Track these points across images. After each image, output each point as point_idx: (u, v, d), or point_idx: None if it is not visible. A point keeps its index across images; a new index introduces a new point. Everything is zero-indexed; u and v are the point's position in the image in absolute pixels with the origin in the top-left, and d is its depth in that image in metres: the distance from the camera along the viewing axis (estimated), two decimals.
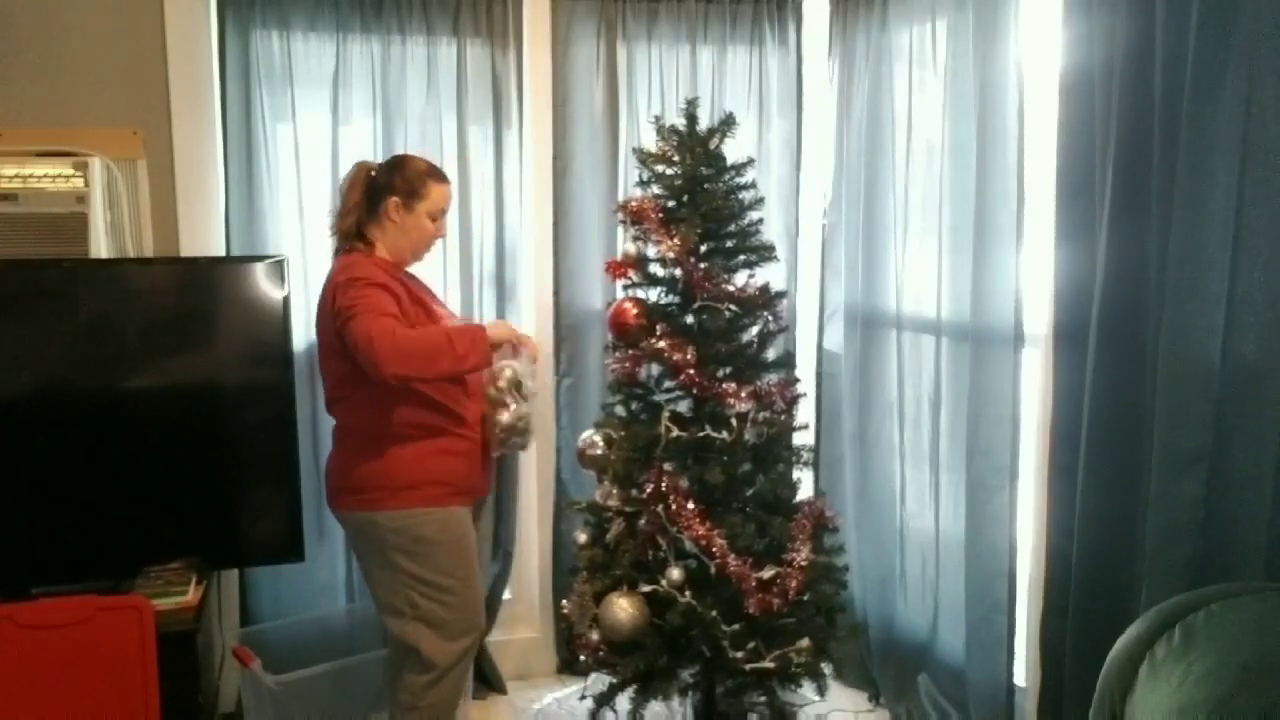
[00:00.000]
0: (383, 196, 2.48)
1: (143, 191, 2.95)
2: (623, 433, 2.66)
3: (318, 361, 2.59)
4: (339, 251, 2.54)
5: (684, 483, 2.54)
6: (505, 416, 2.54)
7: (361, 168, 2.55)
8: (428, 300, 2.58)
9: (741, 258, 2.68)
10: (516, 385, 2.54)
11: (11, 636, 2.43)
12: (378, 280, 2.39)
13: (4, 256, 2.71)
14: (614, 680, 2.67)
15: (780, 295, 2.75)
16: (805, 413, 2.98)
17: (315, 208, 3.16)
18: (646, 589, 2.54)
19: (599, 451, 2.73)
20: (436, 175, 2.54)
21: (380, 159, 3.16)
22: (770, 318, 2.71)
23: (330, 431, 2.62)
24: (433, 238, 2.56)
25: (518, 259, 3.35)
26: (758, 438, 2.63)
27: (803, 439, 2.84)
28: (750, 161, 2.73)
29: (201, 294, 2.87)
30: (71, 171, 2.78)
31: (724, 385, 2.56)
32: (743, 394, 2.56)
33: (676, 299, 2.69)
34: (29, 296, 2.70)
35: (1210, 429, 2.07)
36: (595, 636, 2.61)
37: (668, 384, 2.69)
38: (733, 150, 2.73)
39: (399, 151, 3.16)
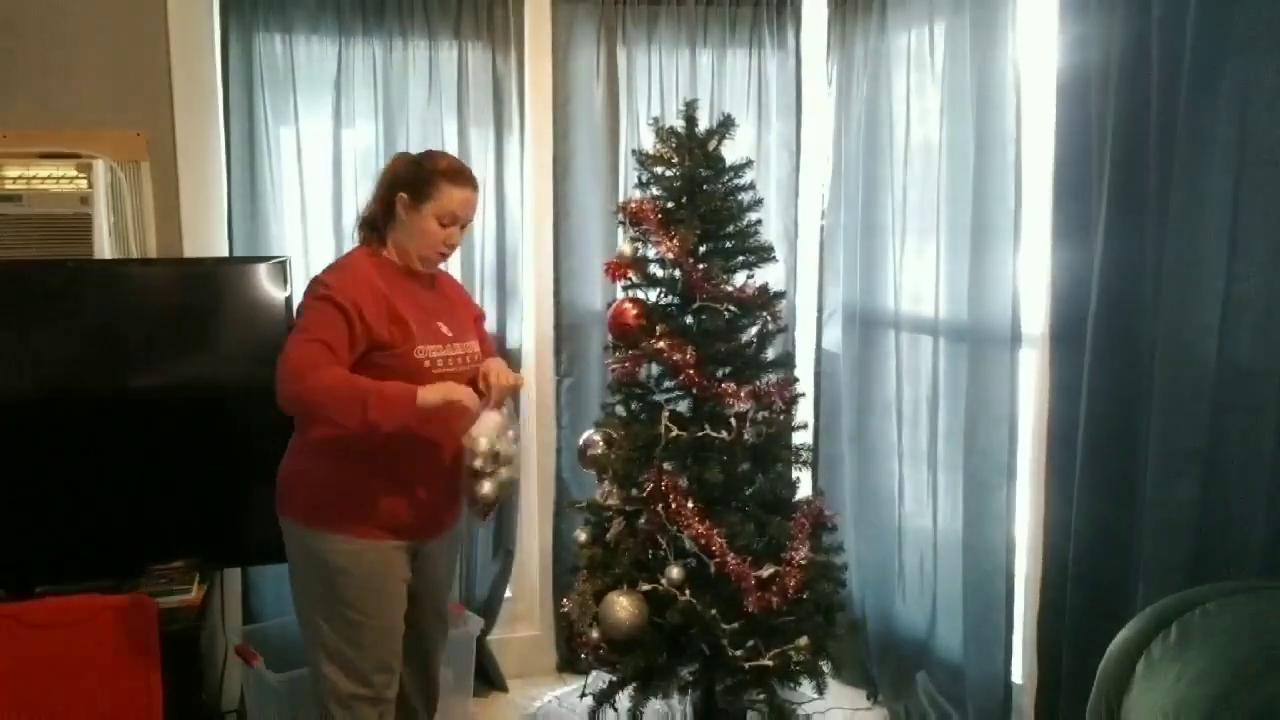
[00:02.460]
0: (395, 189, 2.28)
1: (146, 193, 2.96)
2: (623, 432, 2.67)
3: None
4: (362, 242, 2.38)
5: (683, 482, 2.55)
6: (486, 488, 2.25)
7: (397, 159, 2.38)
8: (422, 318, 2.27)
9: (740, 258, 2.69)
10: (494, 455, 2.23)
11: (15, 635, 2.44)
12: (340, 297, 2.14)
13: (8, 258, 2.72)
14: (614, 678, 2.68)
15: (779, 296, 2.76)
16: (804, 412, 2.99)
17: (317, 209, 3.17)
18: (646, 588, 2.55)
19: (599, 451, 2.74)
20: (453, 176, 2.29)
21: (382, 162, 3.18)
22: (769, 318, 2.72)
23: None
24: (439, 244, 2.30)
25: (518, 260, 3.36)
26: (757, 437, 2.64)
27: (801, 438, 2.85)
28: (749, 163, 2.74)
29: (205, 295, 2.88)
30: (75, 173, 2.79)
31: (723, 385, 2.58)
32: (742, 394, 2.57)
33: (676, 299, 2.70)
34: (33, 297, 2.70)
35: (1206, 428, 2.08)
36: (595, 635, 2.62)
37: (667, 384, 2.70)
38: (732, 152, 2.75)
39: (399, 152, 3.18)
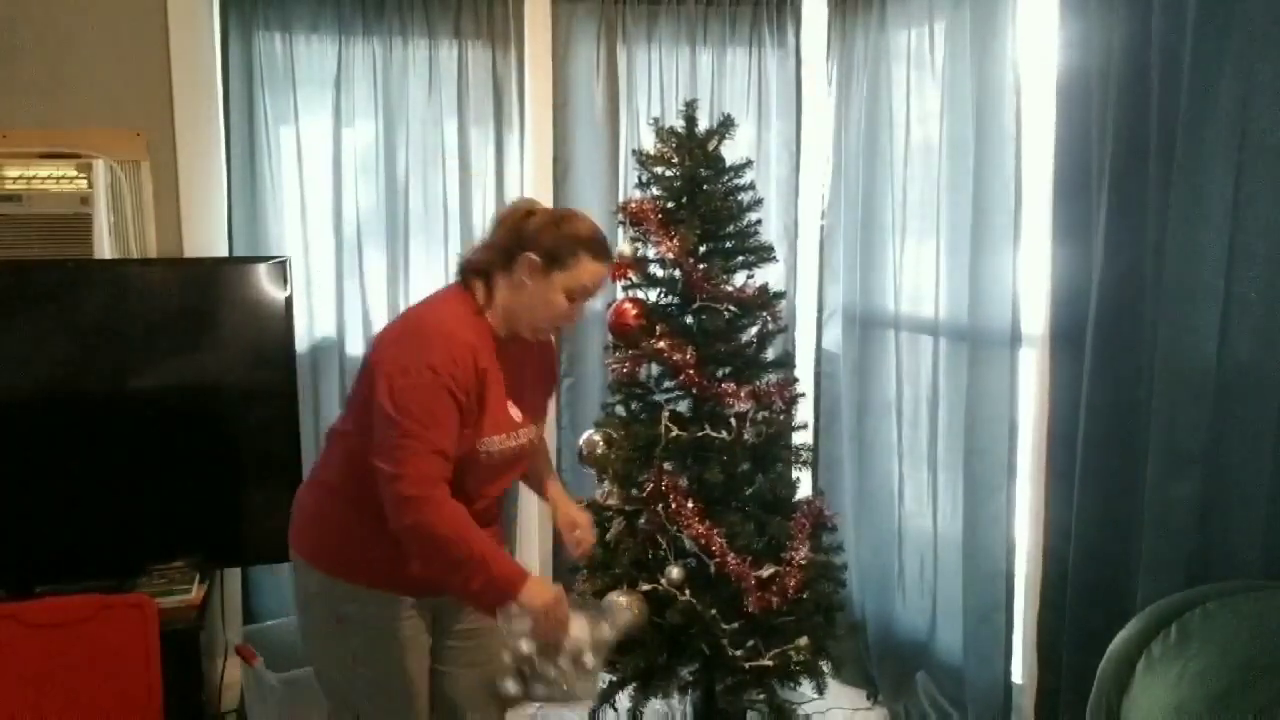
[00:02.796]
0: (524, 248, 1.93)
1: (146, 193, 2.97)
2: (623, 432, 2.67)
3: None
4: (457, 281, 2.04)
5: (684, 482, 2.55)
6: (510, 687, 1.93)
7: (521, 206, 2.04)
8: (500, 402, 1.99)
9: (740, 258, 2.69)
10: (575, 655, 1.91)
11: (15, 634, 2.44)
12: (455, 386, 1.84)
13: (8, 257, 2.72)
14: (614, 678, 2.68)
15: (779, 296, 2.76)
16: (804, 412, 2.99)
17: (317, 208, 3.17)
18: (646, 587, 2.55)
19: (599, 451, 2.74)
20: (596, 249, 1.97)
21: (382, 160, 3.19)
22: (769, 318, 2.72)
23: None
24: (562, 318, 2.00)
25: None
26: (757, 437, 2.64)
27: (801, 439, 2.85)
28: (749, 163, 2.74)
29: (204, 294, 2.88)
30: (75, 173, 2.79)
31: (723, 385, 2.58)
32: (742, 394, 2.57)
33: (676, 299, 2.70)
34: (33, 297, 2.70)
35: (1206, 429, 2.08)
36: None
37: (667, 384, 2.70)
38: (732, 152, 2.75)
39: (398, 154, 3.19)
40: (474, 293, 1.98)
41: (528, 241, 1.94)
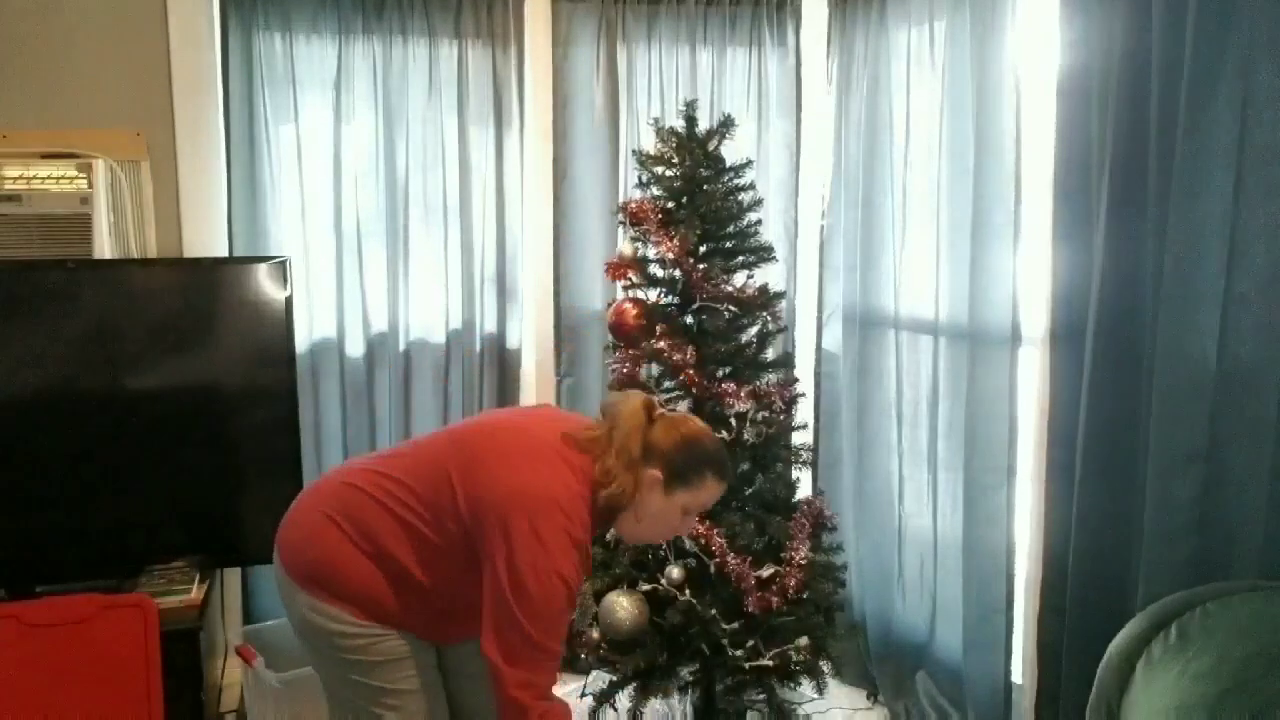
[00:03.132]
0: (649, 461, 1.88)
1: (146, 192, 2.97)
2: None
3: (406, 467, 1.93)
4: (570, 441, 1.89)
5: None
6: None
7: (643, 403, 1.93)
8: None
9: (740, 258, 2.69)
10: None
11: (16, 634, 2.44)
12: (574, 589, 1.80)
13: (8, 257, 2.72)
14: (614, 678, 2.68)
15: (779, 296, 2.76)
16: (804, 412, 2.99)
17: (317, 208, 3.17)
18: (646, 588, 2.55)
19: None
20: (721, 471, 1.94)
21: (382, 160, 3.19)
22: (769, 318, 2.72)
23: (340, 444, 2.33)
24: (672, 534, 2.03)
25: (518, 260, 3.36)
26: (757, 437, 2.64)
27: (801, 439, 2.85)
28: (749, 163, 2.74)
29: (204, 295, 2.88)
30: (75, 173, 2.79)
31: (723, 385, 2.58)
32: (742, 394, 2.57)
33: (676, 299, 2.70)
34: (33, 297, 2.71)
35: (1206, 429, 2.08)
36: (595, 635, 2.62)
37: (667, 384, 2.70)
38: (732, 151, 2.75)
39: (398, 154, 3.18)
40: (593, 470, 1.85)
41: (656, 457, 1.87)
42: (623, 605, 2.53)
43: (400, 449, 2.06)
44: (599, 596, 2.63)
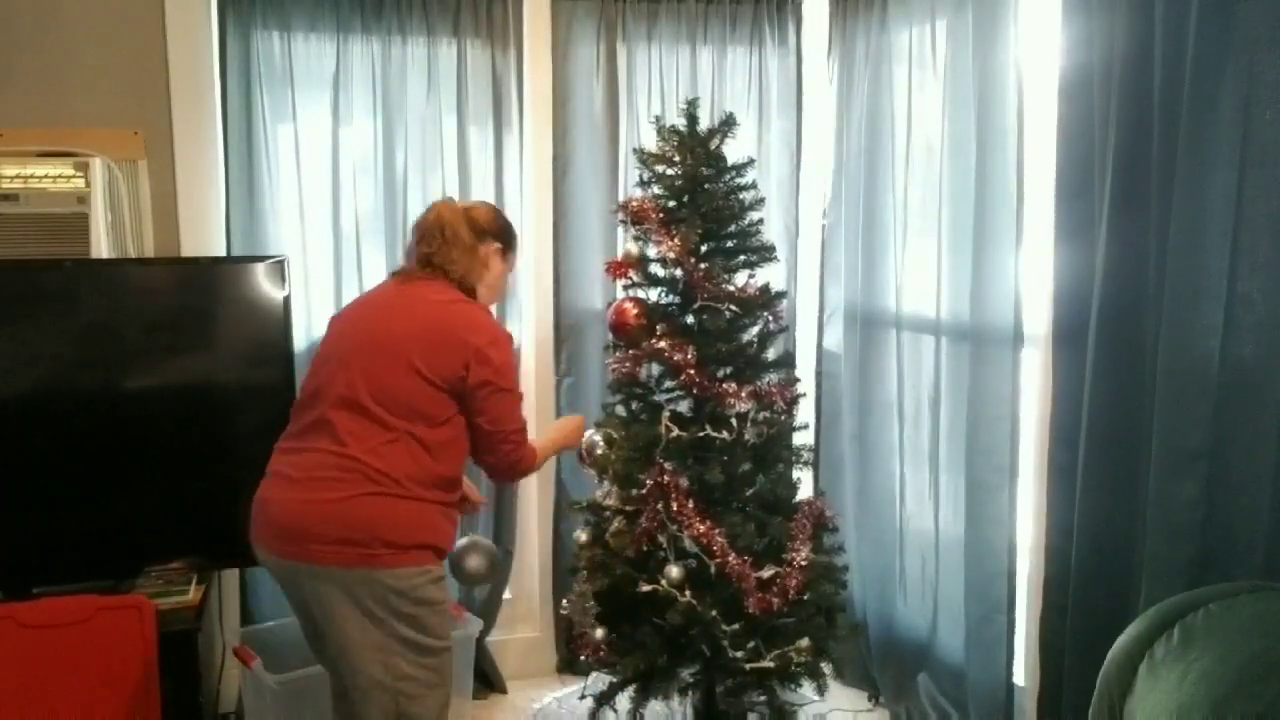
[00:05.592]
0: (483, 240, 2.32)
1: (144, 192, 2.96)
2: (623, 432, 2.66)
3: (357, 372, 2.16)
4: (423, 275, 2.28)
5: (684, 482, 2.54)
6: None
7: (452, 206, 2.34)
8: None
9: (742, 258, 2.68)
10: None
11: (13, 636, 2.44)
12: (508, 334, 2.33)
13: (5, 257, 2.71)
14: (614, 679, 2.67)
15: (780, 295, 2.75)
16: (805, 412, 2.98)
17: (316, 208, 3.16)
18: (646, 588, 2.54)
19: (599, 451, 2.74)
20: (517, 237, 2.51)
21: (381, 159, 3.19)
22: (770, 318, 2.71)
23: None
24: (504, 294, 2.59)
25: (518, 259, 3.35)
26: (758, 437, 2.63)
27: (802, 439, 2.84)
28: (751, 162, 2.73)
29: (202, 294, 2.87)
30: (73, 172, 2.78)
31: (724, 385, 2.57)
32: (743, 394, 2.56)
33: (677, 299, 2.69)
34: (30, 297, 2.70)
35: (1209, 429, 2.07)
36: (597, 635, 2.61)
37: (668, 384, 2.69)
38: (732, 150, 2.74)
39: (397, 153, 3.18)
40: (457, 284, 2.27)
41: (485, 234, 2.33)
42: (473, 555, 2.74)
43: (306, 415, 2.24)
44: (598, 597, 2.62)
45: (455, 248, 2.25)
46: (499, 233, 2.37)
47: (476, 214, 2.35)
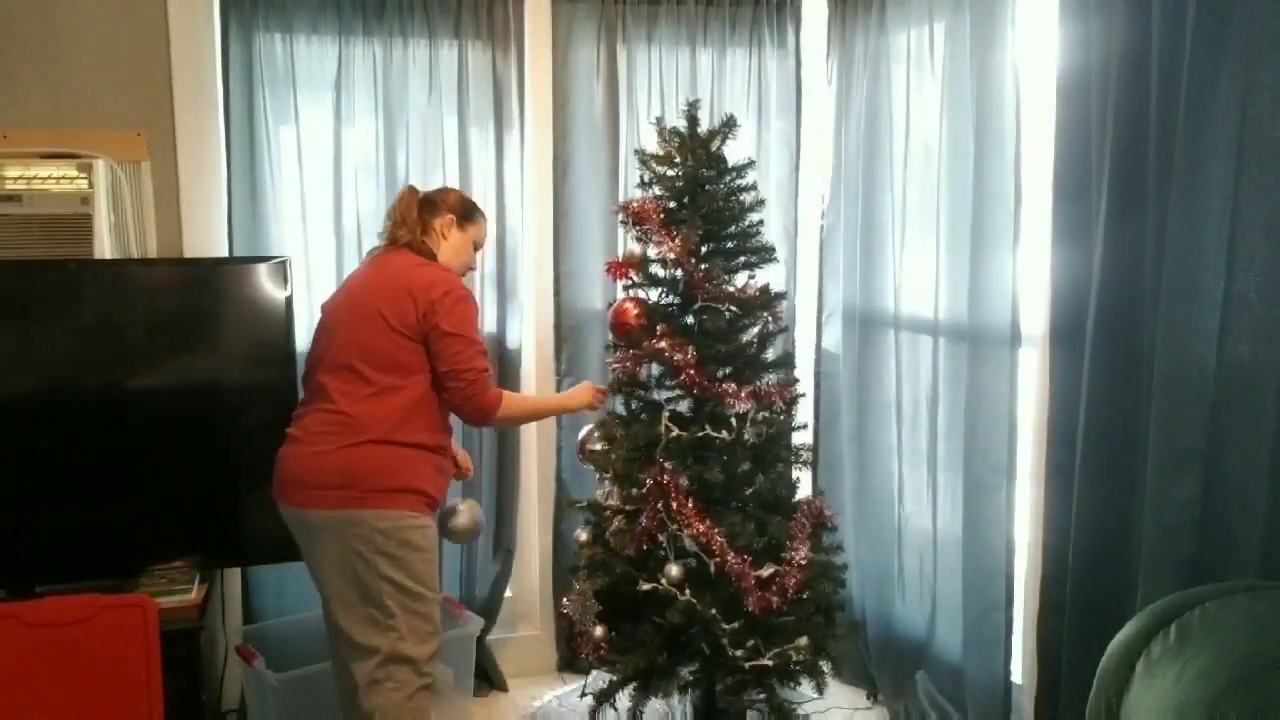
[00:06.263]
0: (437, 213, 2.58)
1: (146, 193, 2.96)
2: (623, 432, 2.67)
3: (342, 338, 2.45)
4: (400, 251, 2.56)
5: (684, 481, 2.56)
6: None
7: (411, 190, 2.64)
8: None
9: (742, 259, 2.69)
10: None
11: (16, 634, 2.44)
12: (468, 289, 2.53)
13: (9, 257, 2.72)
14: (614, 678, 2.68)
15: (780, 296, 2.76)
16: (804, 412, 2.99)
17: (318, 209, 3.17)
18: (646, 587, 2.55)
19: (598, 449, 2.75)
20: (481, 213, 2.70)
21: (383, 160, 3.21)
22: (770, 318, 2.72)
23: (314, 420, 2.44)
24: (472, 265, 2.69)
25: (519, 259, 3.36)
26: (757, 437, 2.64)
27: (801, 438, 2.85)
28: (751, 163, 2.75)
29: (205, 295, 2.88)
30: (76, 173, 2.79)
31: (724, 385, 2.58)
32: (742, 394, 2.57)
33: (677, 299, 2.70)
34: (34, 297, 2.71)
35: (1205, 429, 2.08)
36: (597, 633, 2.62)
37: (668, 384, 2.70)
38: (732, 152, 2.75)
39: (398, 154, 3.19)
40: (419, 253, 2.54)
41: (439, 206, 2.59)
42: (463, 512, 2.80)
43: (308, 383, 2.55)
44: (597, 596, 2.63)
45: (404, 226, 2.56)
46: (453, 205, 2.61)
47: (431, 193, 2.64)
